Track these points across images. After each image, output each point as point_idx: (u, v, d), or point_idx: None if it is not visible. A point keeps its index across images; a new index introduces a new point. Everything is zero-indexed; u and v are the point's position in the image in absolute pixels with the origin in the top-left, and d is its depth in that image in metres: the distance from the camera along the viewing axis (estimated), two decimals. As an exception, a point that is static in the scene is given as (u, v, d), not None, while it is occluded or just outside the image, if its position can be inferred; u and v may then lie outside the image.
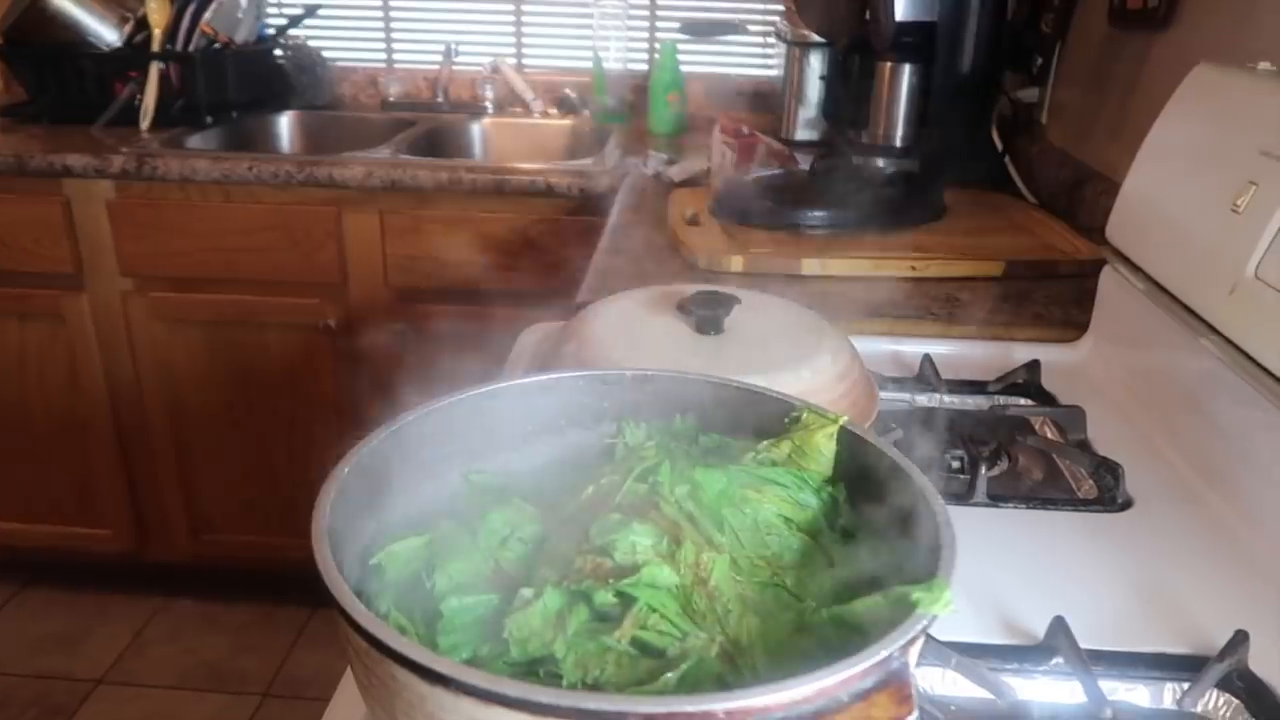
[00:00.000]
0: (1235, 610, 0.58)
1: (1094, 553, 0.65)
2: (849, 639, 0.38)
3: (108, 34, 1.92)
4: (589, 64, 2.21)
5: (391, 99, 2.26)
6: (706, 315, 0.69)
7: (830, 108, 1.81)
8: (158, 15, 1.88)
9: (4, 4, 1.92)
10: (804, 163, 1.53)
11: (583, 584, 0.39)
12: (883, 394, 0.77)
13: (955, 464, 0.74)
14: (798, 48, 1.90)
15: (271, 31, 2.19)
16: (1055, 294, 1.09)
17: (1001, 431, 0.80)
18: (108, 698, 1.84)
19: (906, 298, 1.07)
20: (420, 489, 0.47)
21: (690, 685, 0.36)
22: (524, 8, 2.27)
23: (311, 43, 2.25)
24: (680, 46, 2.11)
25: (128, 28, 1.93)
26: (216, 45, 1.96)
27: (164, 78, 1.91)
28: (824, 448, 0.48)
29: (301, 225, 1.73)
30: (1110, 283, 0.94)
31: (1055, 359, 0.92)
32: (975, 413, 0.84)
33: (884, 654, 0.33)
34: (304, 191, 1.71)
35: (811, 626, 0.40)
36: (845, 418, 0.49)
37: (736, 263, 1.13)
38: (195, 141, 1.90)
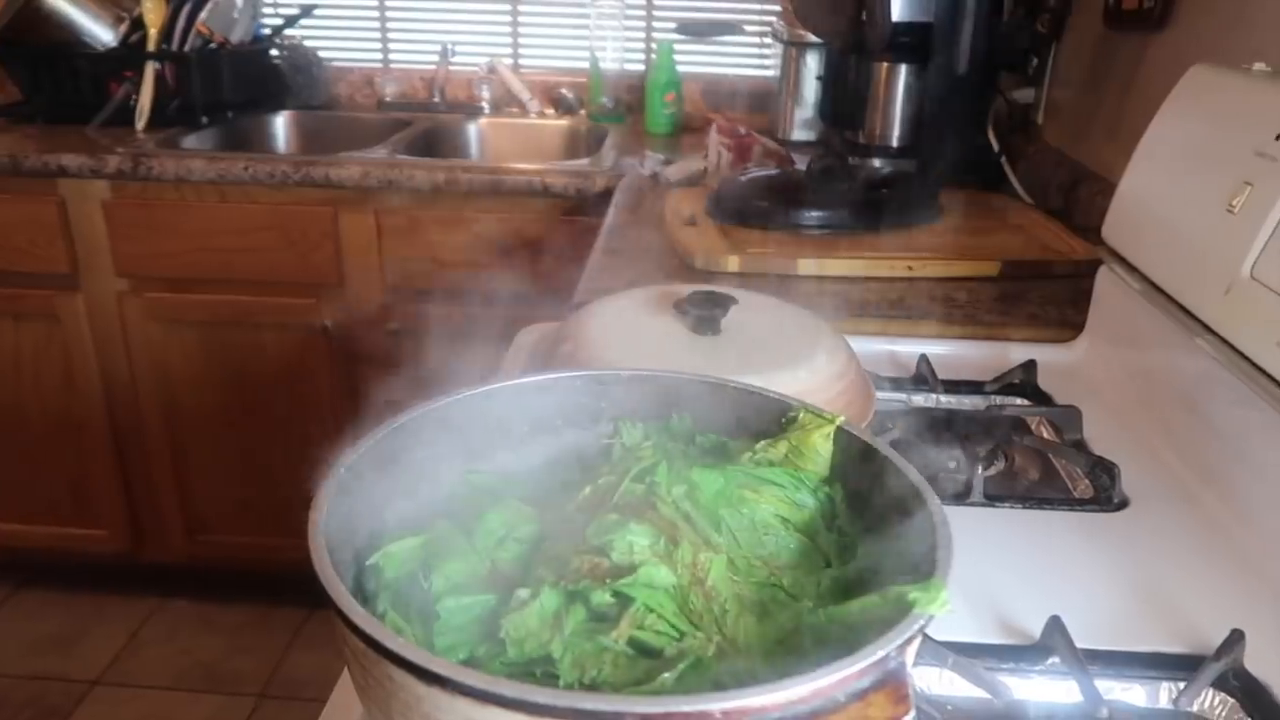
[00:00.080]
0: (1231, 609, 0.58)
1: (1090, 552, 0.66)
2: (846, 639, 0.38)
3: (103, 34, 1.92)
4: (585, 64, 2.21)
5: (388, 99, 2.26)
6: (703, 315, 0.69)
7: (827, 108, 1.82)
8: (153, 15, 1.88)
9: (-1, 4, 1.92)
10: (801, 163, 1.53)
11: (580, 584, 0.39)
12: (879, 394, 0.77)
13: (952, 464, 0.75)
14: (794, 48, 1.90)
15: (267, 31, 2.19)
16: (1051, 294, 1.09)
17: (998, 431, 0.81)
18: (103, 699, 1.84)
19: (903, 298, 1.07)
20: (417, 489, 0.47)
21: (687, 685, 0.36)
22: (520, 8, 2.27)
23: (307, 43, 2.25)
24: (677, 47, 2.12)
25: (123, 27, 1.92)
26: (212, 45, 1.96)
27: (159, 78, 1.91)
28: (821, 448, 0.48)
29: (297, 225, 1.72)
30: (1106, 283, 0.94)
31: (1051, 359, 0.93)
32: (972, 413, 0.84)
33: (881, 654, 0.33)
34: (300, 192, 1.71)
35: (808, 626, 0.40)
36: (842, 418, 0.49)
37: (733, 263, 1.13)
38: (191, 141, 1.90)
